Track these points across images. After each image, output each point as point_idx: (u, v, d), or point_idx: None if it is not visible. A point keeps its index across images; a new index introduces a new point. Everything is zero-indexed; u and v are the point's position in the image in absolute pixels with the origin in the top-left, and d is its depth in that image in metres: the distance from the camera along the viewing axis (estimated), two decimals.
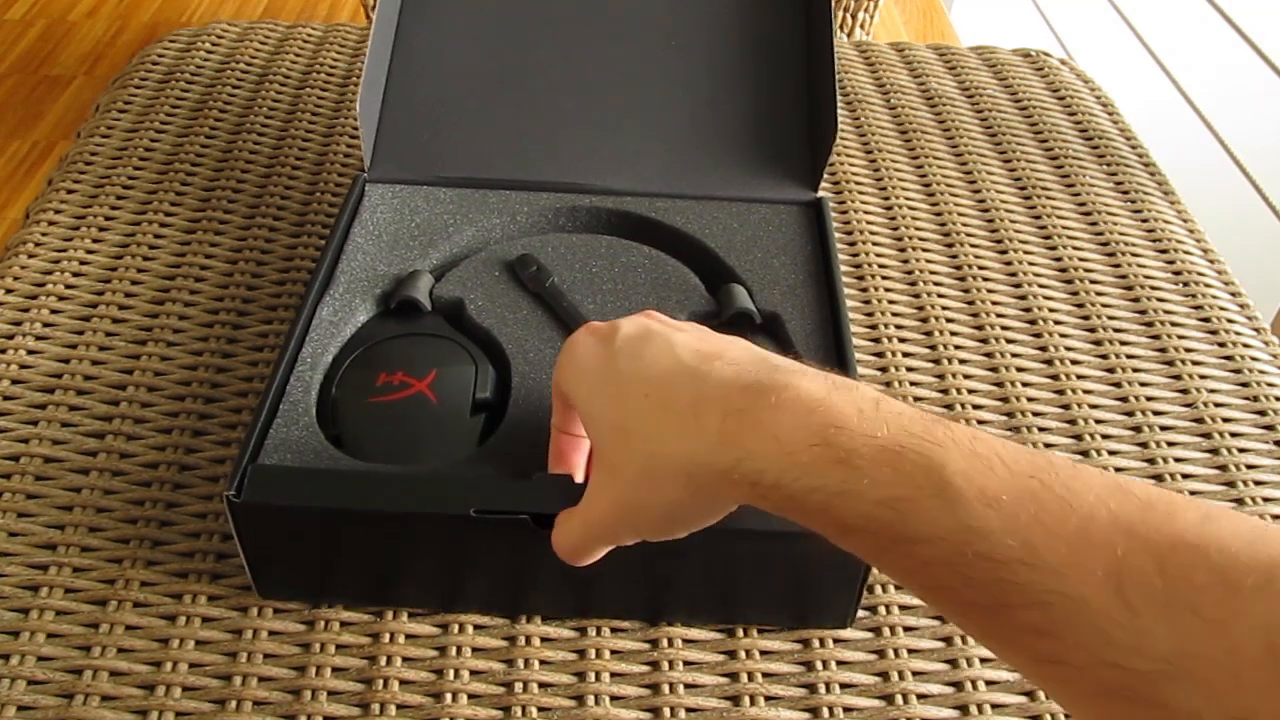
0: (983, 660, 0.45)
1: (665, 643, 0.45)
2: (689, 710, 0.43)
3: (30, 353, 0.57)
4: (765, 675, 0.44)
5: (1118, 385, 0.57)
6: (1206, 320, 0.62)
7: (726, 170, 0.59)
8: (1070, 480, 0.26)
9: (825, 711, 0.43)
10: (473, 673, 0.44)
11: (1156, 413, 0.56)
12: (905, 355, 0.58)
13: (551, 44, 0.63)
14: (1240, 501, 0.52)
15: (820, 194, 0.58)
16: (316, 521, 0.42)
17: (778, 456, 0.29)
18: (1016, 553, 0.25)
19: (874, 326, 0.60)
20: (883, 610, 0.47)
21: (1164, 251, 0.66)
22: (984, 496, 0.26)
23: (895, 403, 0.30)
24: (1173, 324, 0.61)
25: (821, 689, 0.44)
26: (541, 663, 0.44)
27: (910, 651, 0.45)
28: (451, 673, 0.44)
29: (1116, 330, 0.61)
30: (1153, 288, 0.64)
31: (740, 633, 0.45)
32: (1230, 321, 0.62)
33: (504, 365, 0.49)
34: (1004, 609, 0.26)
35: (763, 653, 0.45)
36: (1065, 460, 0.27)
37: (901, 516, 0.27)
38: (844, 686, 0.44)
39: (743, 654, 0.45)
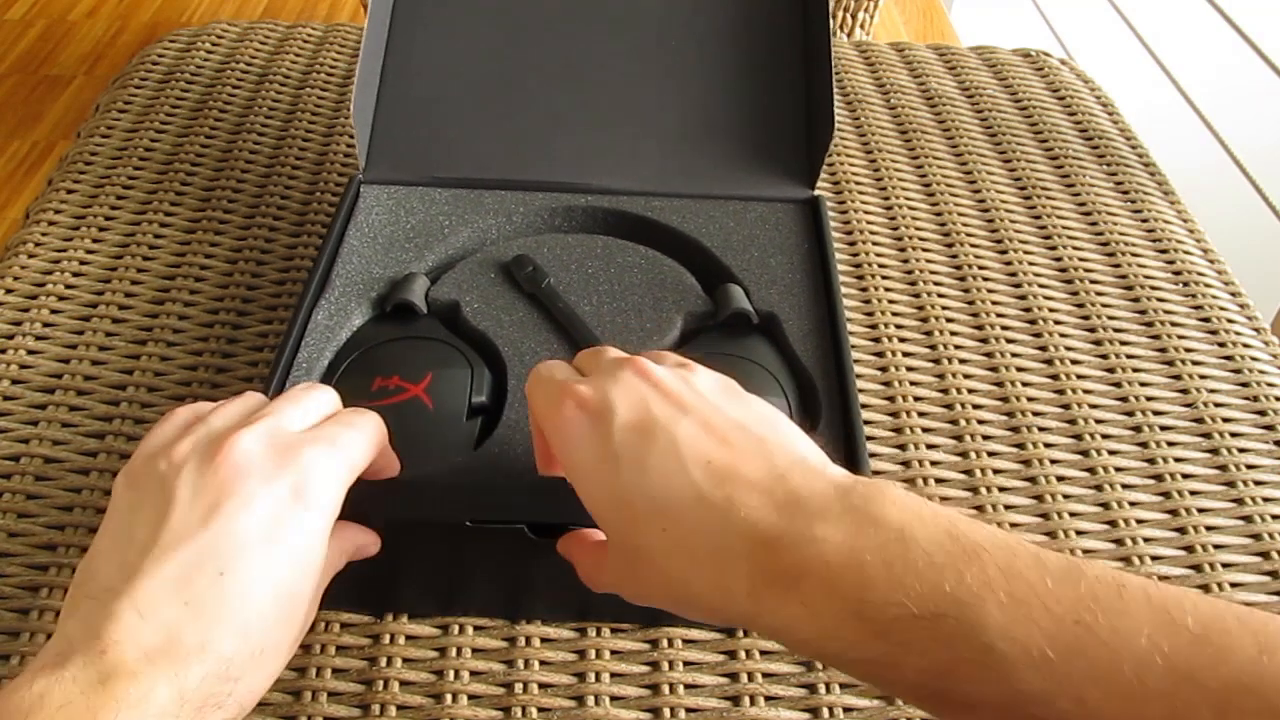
0: None
1: (665, 643, 0.45)
2: (689, 710, 0.43)
3: (30, 353, 0.57)
4: (765, 675, 0.44)
5: (1118, 385, 0.57)
6: (1206, 320, 0.62)
7: (723, 169, 0.59)
8: (1117, 620, 0.25)
9: (825, 711, 0.43)
10: (473, 673, 0.44)
11: (1156, 413, 0.56)
12: (905, 355, 0.58)
13: (547, 43, 0.63)
14: (1240, 501, 0.52)
15: (817, 192, 0.58)
16: None
17: (814, 628, 0.28)
18: (1072, 714, 0.25)
19: (874, 326, 0.60)
20: None
21: (1164, 251, 0.66)
22: (1030, 657, 0.25)
23: (922, 530, 0.28)
24: (1173, 324, 0.61)
25: (821, 689, 0.44)
26: (541, 663, 0.44)
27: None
28: (451, 673, 0.44)
29: (1116, 330, 0.61)
30: (1153, 288, 0.64)
31: (741, 633, 0.45)
32: (1230, 321, 0.62)
33: (500, 368, 0.49)
34: None
35: (763, 653, 0.45)
36: (1107, 584, 0.26)
37: (950, 684, 0.26)
38: (844, 686, 0.44)
39: (743, 654, 0.45)
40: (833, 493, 0.30)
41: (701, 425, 0.32)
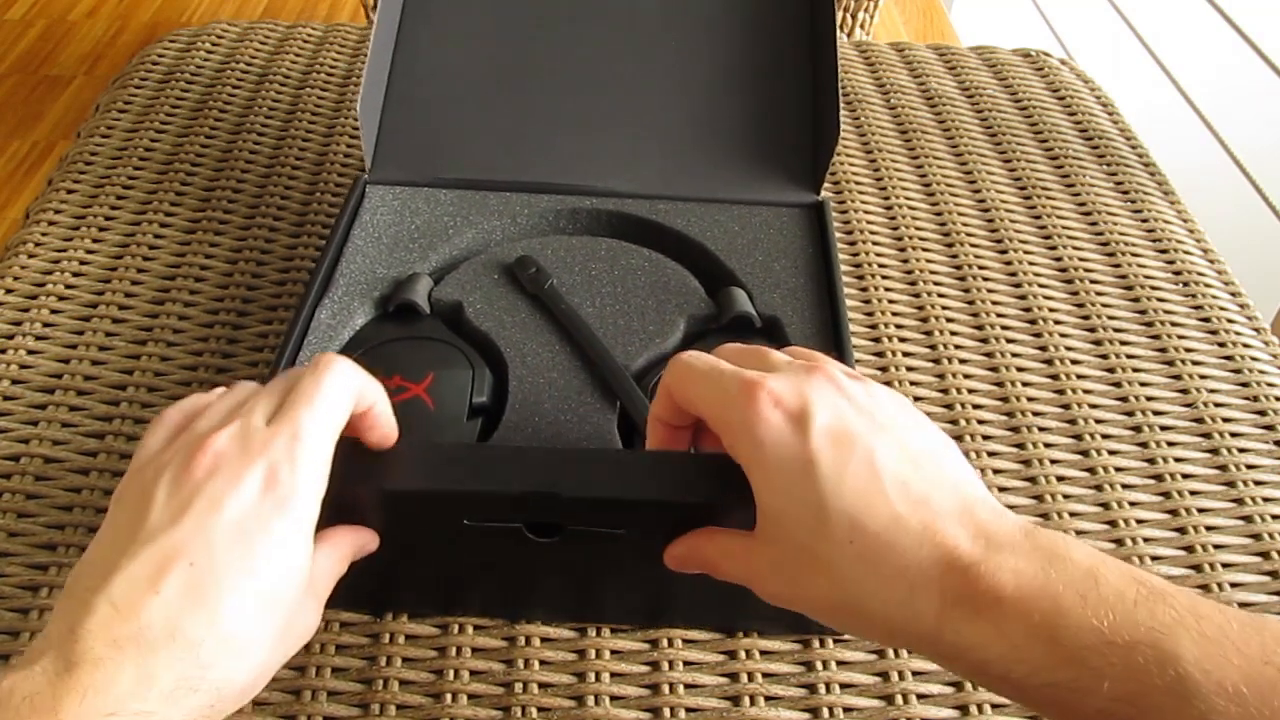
0: None
1: (665, 643, 0.45)
2: (689, 710, 0.43)
3: (30, 353, 0.57)
4: (765, 675, 0.44)
5: (1118, 385, 0.57)
6: (1206, 320, 0.62)
7: (728, 172, 0.59)
8: None
9: (825, 711, 0.43)
10: (473, 673, 0.44)
11: (1156, 413, 0.56)
12: (905, 355, 0.58)
13: (553, 45, 0.63)
14: (1240, 501, 0.52)
15: (822, 196, 0.58)
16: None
17: (1003, 649, 0.29)
18: None
19: (874, 326, 0.60)
20: None
21: (1164, 251, 0.66)
22: (1223, 690, 0.26)
23: (1111, 572, 0.29)
24: (1173, 324, 0.61)
25: (821, 689, 0.44)
26: (541, 663, 0.44)
27: (910, 651, 0.45)
28: (451, 673, 0.44)
29: (1116, 330, 0.61)
30: (1153, 288, 0.64)
31: (740, 633, 0.45)
32: (1230, 321, 0.62)
33: (501, 369, 0.49)
34: None
35: (763, 653, 0.45)
36: None
37: (1140, 712, 0.27)
38: (844, 686, 0.44)
39: (743, 654, 0.45)
40: (1019, 531, 0.31)
41: (897, 446, 0.32)
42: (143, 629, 0.30)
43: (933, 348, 0.59)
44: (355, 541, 0.39)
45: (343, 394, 0.36)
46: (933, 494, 0.31)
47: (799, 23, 0.64)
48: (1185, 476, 0.53)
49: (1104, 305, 0.62)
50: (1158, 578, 0.29)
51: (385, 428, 0.38)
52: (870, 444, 0.32)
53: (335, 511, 0.36)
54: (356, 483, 0.38)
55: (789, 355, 0.37)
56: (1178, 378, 0.58)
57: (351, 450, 0.37)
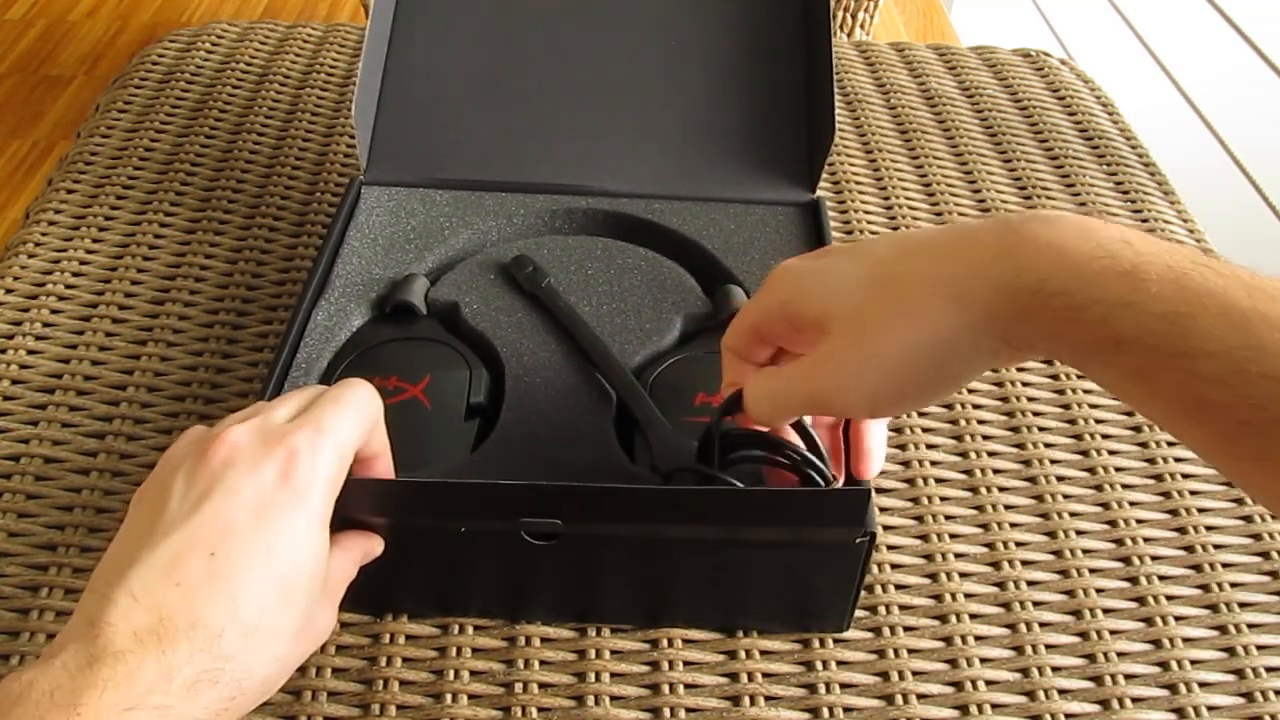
0: (983, 660, 0.45)
1: (665, 643, 0.45)
2: (689, 710, 0.43)
3: (30, 353, 0.57)
4: (765, 675, 0.44)
5: None
6: None
7: (723, 171, 0.59)
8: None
9: (825, 712, 0.43)
10: (473, 673, 0.44)
11: None
12: None
13: (547, 45, 0.63)
14: (1240, 501, 0.52)
15: (818, 195, 0.58)
16: None
17: (1061, 265, 0.30)
18: None
19: None
20: (882, 610, 0.47)
21: None
22: (1268, 321, 0.27)
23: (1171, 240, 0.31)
24: None
25: (821, 689, 0.44)
26: (541, 663, 0.44)
27: (910, 651, 0.45)
28: (451, 673, 0.44)
29: None
30: None
31: (740, 633, 0.45)
32: None
33: (498, 369, 0.49)
34: None
35: (763, 653, 0.45)
36: None
37: (1183, 331, 0.28)
38: (844, 686, 0.44)
39: (743, 654, 0.45)
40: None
41: None
42: (163, 620, 0.30)
43: None
44: (364, 546, 0.40)
45: (368, 408, 0.37)
46: None
47: (794, 21, 0.63)
48: (1185, 476, 0.53)
49: None
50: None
51: (384, 472, 0.40)
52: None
53: (339, 520, 0.36)
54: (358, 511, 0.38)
55: None
56: None
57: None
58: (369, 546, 0.40)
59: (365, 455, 0.39)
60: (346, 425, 0.36)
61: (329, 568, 0.36)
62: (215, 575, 0.32)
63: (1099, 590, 0.48)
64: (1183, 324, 0.28)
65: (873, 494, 0.40)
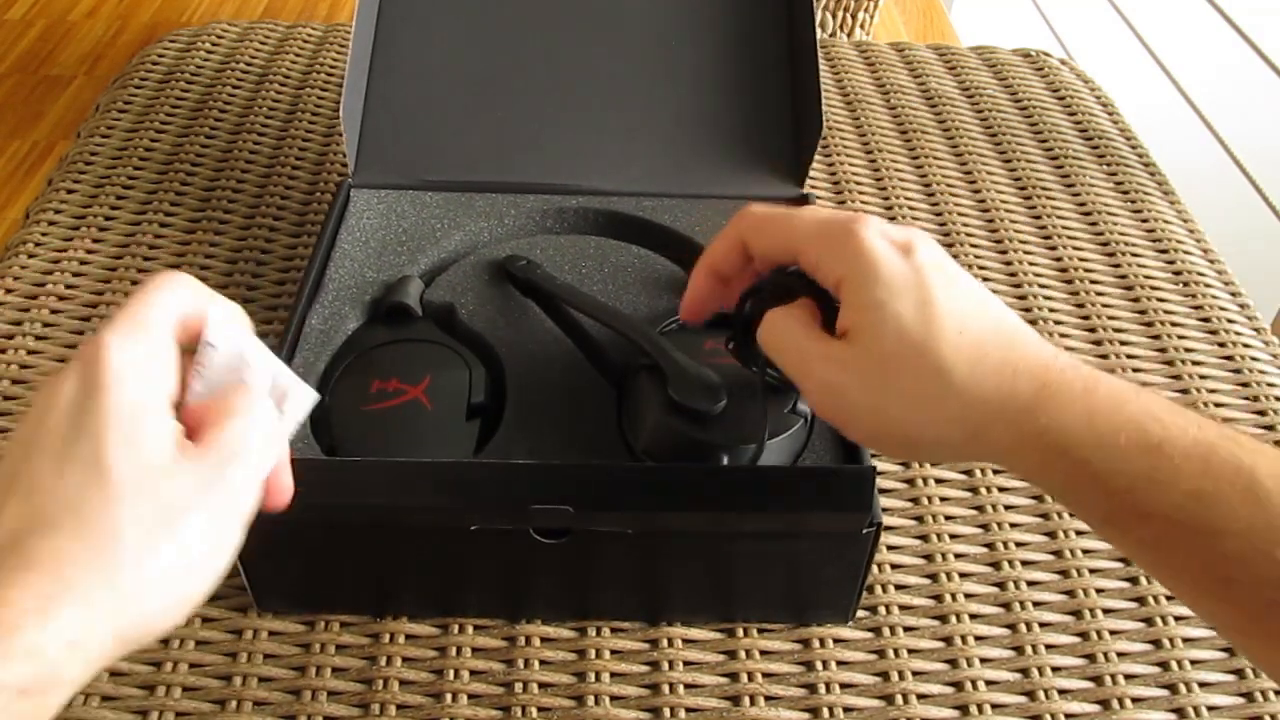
0: (983, 660, 0.45)
1: (665, 643, 0.45)
2: (689, 710, 0.43)
3: (30, 353, 0.57)
4: (765, 675, 0.44)
5: None
6: (1206, 320, 0.62)
7: (713, 168, 0.59)
8: None
9: (825, 711, 0.43)
10: (473, 673, 0.44)
11: None
12: None
13: (534, 45, 0.63)
14: None
15: (806, 190, 0.58)
16: (317, 531, 0.42)
17: (1090, 434, 0.31)
18: None
19: None
20: (883, 610, 0.47)
21: (1164, 251, 0.66)
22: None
23: (1200, 413, 0.31)
24: (1173, 324, 0.61)
25: (821, 689, 0.44)
26: (541, 663, 0.44)
27: (910, 651, 0.45)
28: (451, 673, 0.44)
29: (1116, 330, 0.61)
30: (1153, 288, 0.64)
31: (740, 633, 0.45)
32: (1230, 321, 0.62)
33: (498, 368, 0.49)
34: None
35: (763, 653, 0.45)
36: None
37: (1207, 509, 0.28)
38: (844, 686, 0.44)
39: (743, 654, 0.45)
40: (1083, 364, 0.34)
41: (995, 299, 0.36)
42: (13, 531, 0.28)
43: None
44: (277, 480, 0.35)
45: (170, 293, 0.35)
46: (1030, 333, 0.35)
47: (778, 17, 0.64)
48: None
49: (1104, 305, 0.62)
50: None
51: (284, 486, 0.35)
52: (971, 282, 0.36)
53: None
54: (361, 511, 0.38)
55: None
56: (1178, 378, 0.58)
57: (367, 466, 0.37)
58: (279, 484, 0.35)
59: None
60: (146, 311, 0.33)
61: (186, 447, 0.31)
62: (29, 490, 0.29)
63: (1099, 590, 0.48)
64: (1208, 502, 0.28)
65: (876, 479, 0.41)
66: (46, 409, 0.31)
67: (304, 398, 0.35)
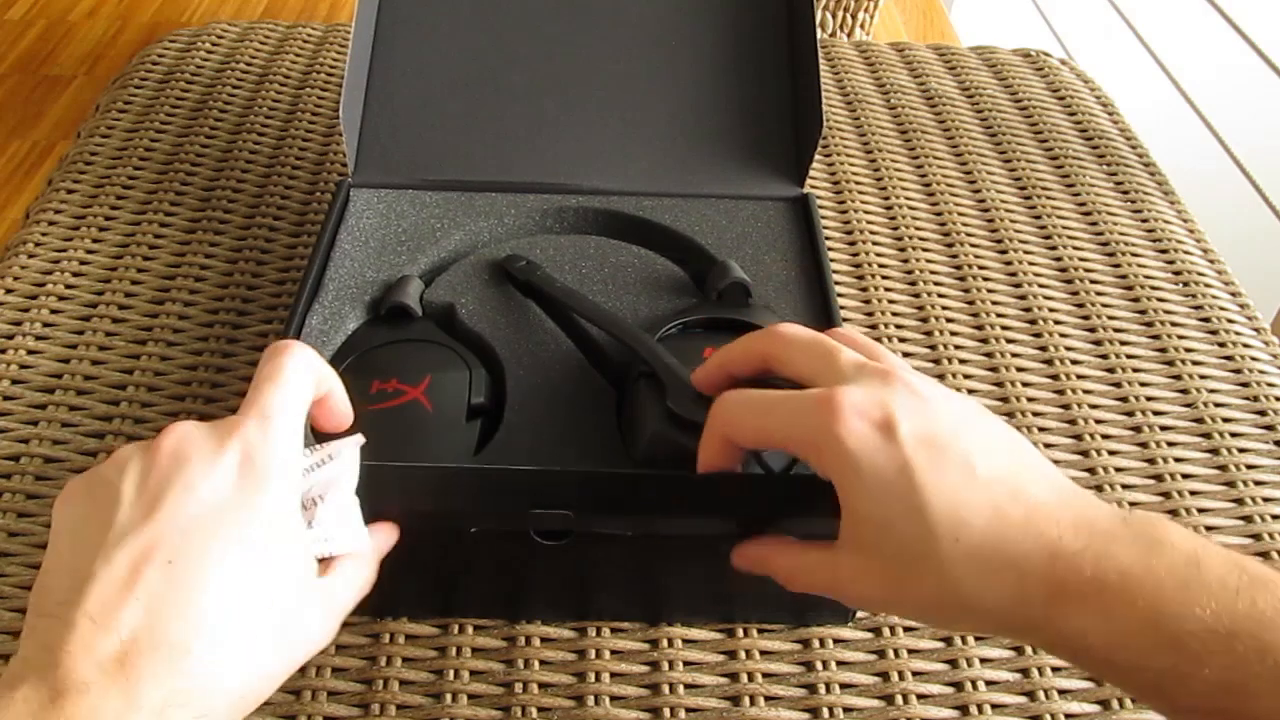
0: (983, 660, 0.45)
1: (665, 643, 0.45)
2: (689, 710, 0.43)
3: (30, 353, 0.57)
4: (765, 675, 0.44)
5: (1118, 385, 0.57)
6: (1206, 320, 0.62)
7: (713, 167, 0.59)
8: None
9: (825, 711, 0.43)
10: (473, 673, 0.44)
11: (1156, 413, 0.56)
12: (905, 355, 0.58)
13: (534, 44, 0.63)
14: (1240, 501, 0.52)
15: (806, 190, 0.58)
16: None
17: (1107, 636, 0.30)
18: None
19: (874, 326, 0.60)
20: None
21: (1164, 251, 0.66)
22: None
23: (1212, 558, 0.30)
24: (1173, 324, 0.61)
25: (821, 689, 0.44)
26: (541, 663, 0.44)
27: (910, 651, 0.45)
28: (451, 673, 0.44)
29: (1116, 330, 0.61)
30: (1153, 288, 0.64)
31: (740, 633, 0.45)
32: (1230, 321, 0.62)
33: (498, 369, 0.49)
34: None
35: (763, 653, 0.45)
36: None
37: (1239, 701, 0.28)
38: (844, 686, 0.44)
39: (743, 654, 0.45)
40: (1117, 519, 0.31)
41: (985, 442, 0.33)
42: (126, 643, 0.28)
43: (933, 348, 0.59)
44: (379, 545, 0.38)
45: (305, 374, 0.36)
46: (1029, 487, 0.32)
47: (778, 16, 0.64)
48: (1185, 476, 0.53)
49: (1104, 305, 0.62)
50: (1257, 562, 0.30)
51: (341, 413, 0.39)
52: (960, 445, 0.32)
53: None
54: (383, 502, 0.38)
55: (851, 348, 0.36)
56: (1178, 378, 0.58)
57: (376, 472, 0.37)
58: (381, 542, 0.38)
59: (318, 399, 0.37)
60: (292, 400, 0.34)
61: (329, 583, 0.34)
62: (175, 583, 0.29)
63: None
64: (1237, 693, 0.28)
65: None
66: (186, 488, 0.31)
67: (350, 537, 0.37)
